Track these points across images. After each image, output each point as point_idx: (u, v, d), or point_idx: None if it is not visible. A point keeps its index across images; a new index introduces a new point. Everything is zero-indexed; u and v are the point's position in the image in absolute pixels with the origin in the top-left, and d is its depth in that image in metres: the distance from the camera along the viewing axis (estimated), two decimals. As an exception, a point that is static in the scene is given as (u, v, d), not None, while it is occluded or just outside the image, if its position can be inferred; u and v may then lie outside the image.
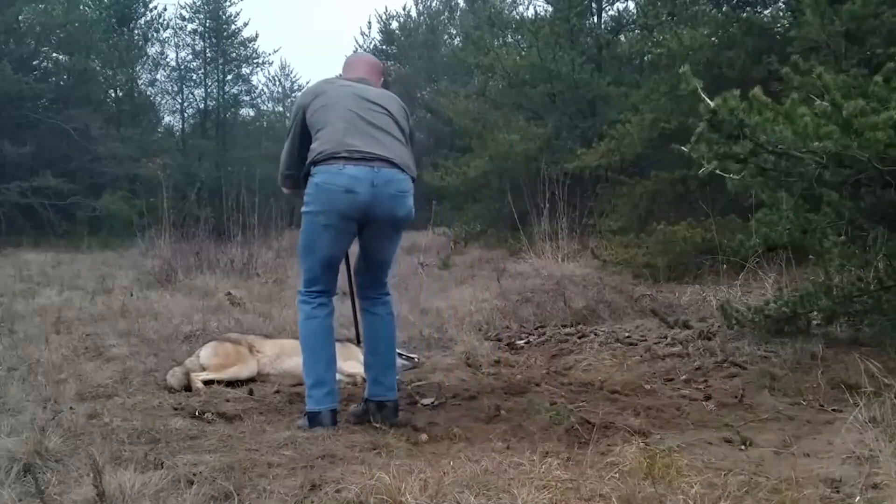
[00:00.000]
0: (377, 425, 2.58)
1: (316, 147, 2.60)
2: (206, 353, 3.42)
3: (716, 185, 5.69)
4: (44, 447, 2.18)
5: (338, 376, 3.46)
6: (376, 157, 2.56)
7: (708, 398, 2.91)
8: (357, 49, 27.09)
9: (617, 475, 1.95)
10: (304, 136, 2.71)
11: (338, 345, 3.64)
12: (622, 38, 11.90)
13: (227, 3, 24.58)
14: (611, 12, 12.92)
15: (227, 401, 3.00)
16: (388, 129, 2.65)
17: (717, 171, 2.89)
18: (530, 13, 14.95)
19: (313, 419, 2.58)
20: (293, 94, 30.01)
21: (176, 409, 2.86)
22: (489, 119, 12.81)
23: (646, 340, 3.92)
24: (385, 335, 2.80)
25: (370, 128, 2.62)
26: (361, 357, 3.51)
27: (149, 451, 2.24)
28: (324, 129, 2.60)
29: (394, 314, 2.86)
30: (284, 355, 3.52)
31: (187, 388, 3.21)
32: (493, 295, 5.71)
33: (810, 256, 3.74)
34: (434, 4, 26.38)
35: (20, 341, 4.16)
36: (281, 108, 29.77)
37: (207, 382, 3.27)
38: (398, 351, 3.62)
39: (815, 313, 3.49)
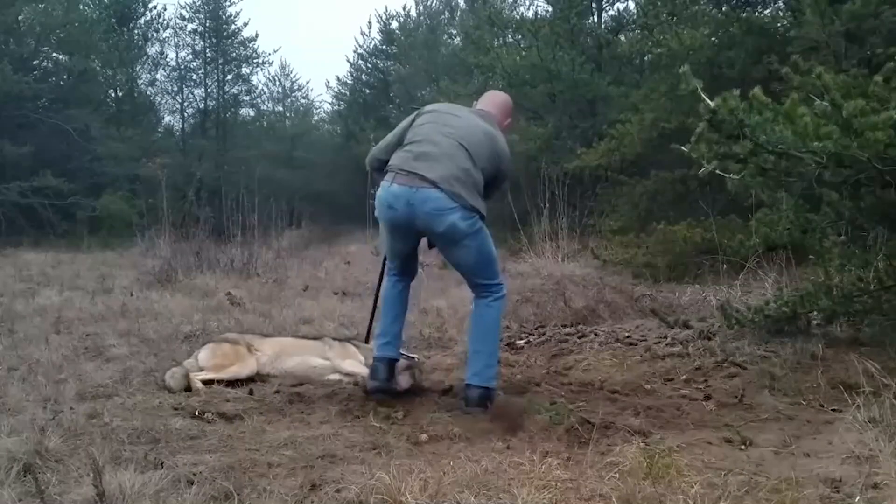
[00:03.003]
0: (377, 424, 2.58)
1: (393, 158, 2.94)
2: (204, 355, 3.42)
3: (716, 185, 5.70)
4: (44, 447, 2.18)
5: (337, 376, 3.48)
6: (420, 177, 2.78)
7: (708, 398, 2.91)
8: (357, 49, 27.16)
9: (617, 475, 1.95)
10: (401, 138, 3.01)
11: (337, 344, 3.66)
12: (622, 38, 11.90)
13: (227, 3, 24.58)
14: (611, 12, 12.95)
15: (227, 401, 3.00)
16: (449, 150, 2.85)
17: (717, 171, 2.89)
18: (530, 13, 14.97)
19: (372, 372, 2.99)
20: (293, 94, 30.02)
21: (176, 409, 2.86)
22: (489, 119, 12.80)
23: (646, 340, 3.92)
24: (476, 323, 2.99)
25: (431, 148, 2.87)
26: (361, 357, 3.52)
27: (149, 451, 2.24)
28: (408, 145, 2.92)
29: (492, 307, 3.00)
30: (284, 355, 3.53)
31: (187, 388, 3.21)
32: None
33: (810, 256, 3.74)
34: (434, 4, 26.37)
35: (20, 341, 4.16)
36: (281, 108, 29.79)
37: (207, 382, 3.27)
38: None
39: (815, 313, 3.49)
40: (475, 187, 2.88)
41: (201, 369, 3.34)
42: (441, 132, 2.93)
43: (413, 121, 3.04)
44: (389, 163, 2.95)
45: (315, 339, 3.76)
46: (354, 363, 3.48)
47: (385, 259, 3.25)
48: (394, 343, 3.04)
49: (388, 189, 2.84)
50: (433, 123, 2.98)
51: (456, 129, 2.94)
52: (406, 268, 3.14)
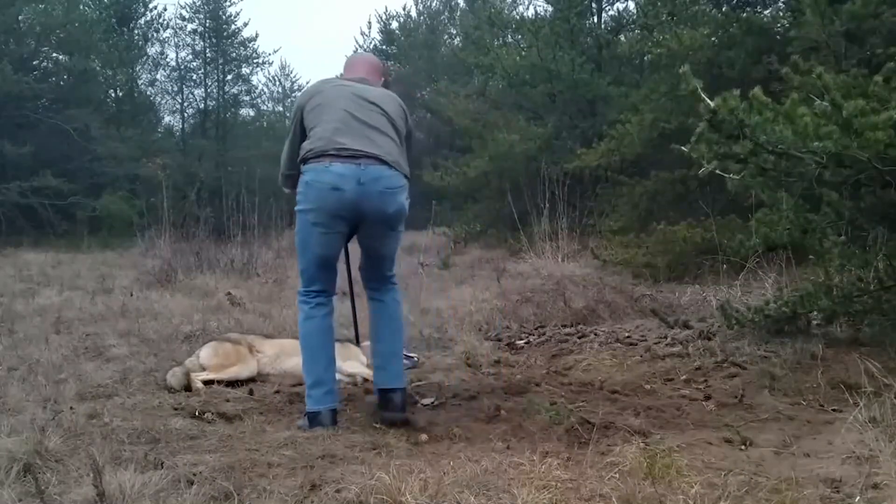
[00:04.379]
0: (377, 425, 2.58)
1: (306, 145, 2.61)
2: (205, 354, 3.42)
3: (716, 185, 5.70)
4: (44, 447, 2.17)
5: (337, 376, 3.47)
6: (364, 155, 2.54)
7: (708, 398, 2.91)
8: (357, 49, 27.12)
9: (617, 475, 1.95)
10: (303, 135, 2.71)
11: (337, 345, 3.64)
12: (622, 38, 11.90)
13: (227, 3, 24.60)
14: (611, 12, 12.95)
15: (227, 401, 2.99)
16: (380, 127, 2.64)
17: (717, 171, 2.90)
18: (530, 13, 15.00)
19: (313, 419, 2.56)
20: (293, 94, 30.01)
21: (176, 409, 2.86)
22: (489, 119, 12.83)
23: (646, 340, 3.92)
24: (388, 320, 2.78)
25: (362, 126, 2.61)
26: (362, 357, 3.52)
27: (149, 451, 2.24)
28: (316, 128, 2.61)
29: (400, 302, 2.85)
30: (284, 355, 3.52)
31: (187, 388, 3.21)
32: (493, 295, 5.71)
33: (810, 256, 3.74)
34: (434, 4, 26.38)
35: (20, 341, 4.16)
36: (281, 108, 29.79)
37: (207, 382, 3.27)
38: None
39: (815, 313, 3.49)
40: (404, 157, 2.72)
41: (203, 368, 3.34)
42: (354, 102, 2.64)
43: (303, 110, 2.70)
44: (308, 148, 2.58)
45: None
46: (355, 364, 3.47)
47: (317, 271, 2.67)
48: (335, 390, 2.66)
49: (327, 169, 2.50)
50: (337, 98, 2.66)
51: (362, 96, 2.68)
52: (331, 281, 2.71)
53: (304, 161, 2.59)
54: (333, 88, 2.72)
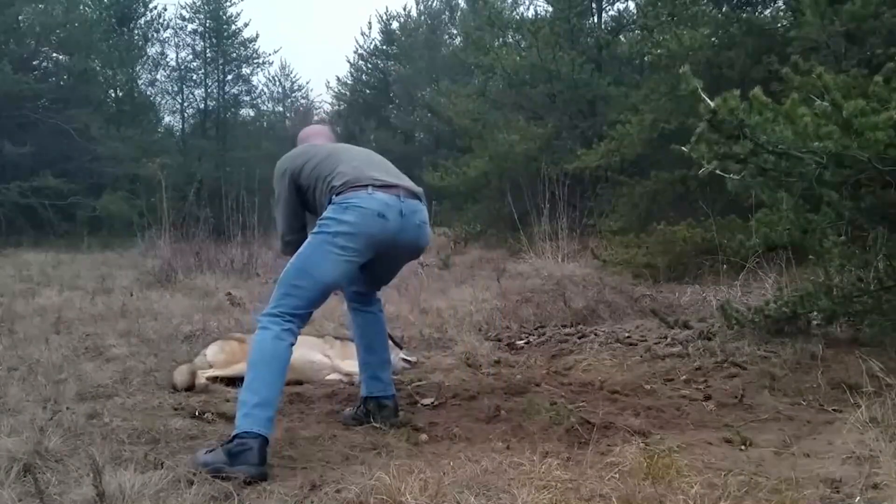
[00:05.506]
0: (377, 425, 2.58)
1: (335, 182, 2.46)
2: (212, 351, 3.43)
3: (716, 185, 5.68)
4: (44, 447, 2.18)
5: (336, 375, 3.48)
6: (399, 186, 2.50)
7: (708, 398, 2.91)
8: (357, 49, 27.16)
9: (617, 475, 1.95)
10: (299, 199, 2.65)
11: (338, 343, 3.65)
12: (622, 38, 11.91)
13: (228, 4, 24.61)
14: (611, 12, 12.97)
15: (227, 401, 2.99)
16: (394, 170, 2.67)
17: (717, 171, 2.89)
18: (530, 13, 15.01)
19: (246, 440, 2.09)
20: (293, 95, 30.07)
21: (176, 409, 2.86)
22: (489, 119, 12.83)
23: (646, 340, 3.92)
24: (380, 331, 2.81)
25: (385, 163, 2.66)
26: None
27: (149, 451, 2.24)
28: (338, 168, 2.51)
29: (383, 310, 2.88)
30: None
31: (191, 387, 3.20)
32: (493, 295, 5.71)
33: (810, 256, 3.74)
34: (434, 4, 26.41)
35: (20, 341, 4.16)
36: (281, 108, 29.85)
37: (213, 379, 3.27)
38: (402, 356, 3.63)
39: (815, 313, 3.49)
40: None
41: (210, 365, 3.34)
42: (361, 151, 2.74)
43: (299, 171, 2.60)
44: (341, 181, 2.43)
45: (317, 337, 3.76)
46: (353, 363, 3.46)
47: (315, 299, 2.41)
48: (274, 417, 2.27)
49: (372, 196, 2.39)
50: (341, 149, 2.70)
51: (366, 152, 2.78)
52: (312, 312, 2.50)
53: (337, 192, 2.42)
54: (325, 148, 2.70)
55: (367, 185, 2.42)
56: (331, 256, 2.36)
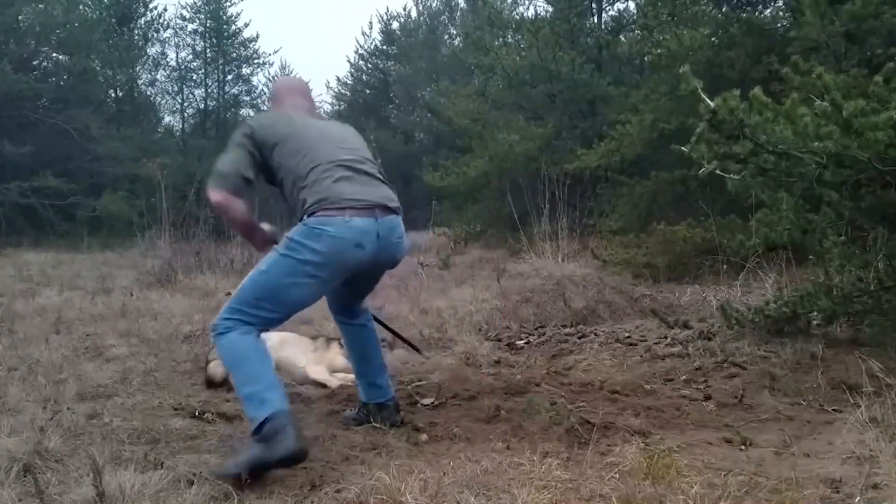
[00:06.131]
0: (377, 425, 2.58)
1: (308, 197, 2.32)
2: None
3: (716, 185, 5.69)
4: (44, 447, 2.18)
5: (335, 376, 3.47)
6: (377, 205, 2.38)
7: (708, 398, 2.91)
8: (358, 50, 27.14)
9: (617, 475, 1.95)
10: (260, 160, 2.44)
11: (333, 345, 3.61)
12: (622, 38, 11.91)
13: (228, 4, 24.64)
14: (611, 12, 12.98)
15: (227, 401, 2.99)
16: (372, 171, 2.49)
17: (717, 171, 2.89)
18: (530, 13, 15.02)
19: (275, 422, 2.07)
20: (293, 95, 29.96)
21: (176, 409, 2.86)
22: (489, 119, 12.83)
23: (646, 340, 3.92)
24: (371, 340, 2.74)
25: (361, 175, 2.44)
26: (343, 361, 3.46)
27: (149, 451, 2.24)
28: (312, 172, 2.36)
29: (371, 319, 2.78)
30: (285, 344, 3.50)
31: (223, 382, 3.16)
32: (493, 295, 5.71)
33: (810, 256, 3.74)
34: (434, 5, 26.43)
35: (20, 341, 4.16)
36: (281, 109, 29.70)
37: None
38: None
39: (815, 313, 3.49)
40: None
41: None
42: (339, 149, 2.46)
43: (265, 141, 2.41)
44: (315, 199, 2.30)
45: (313, 337, 3.75)
46: (321, 370, 3.43)
47: (278, 319, 2.36)
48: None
49: (349, 224, 2.27)
50: (318, 143, 2.44)
51: (342, 139, 2.53)
52: (282, 322, 2.44)
53: (311, 212, 2.29)
54: (304, 130, 2.47)
55: (344, 209, 2.28)
56: (300, 282, 2.28)
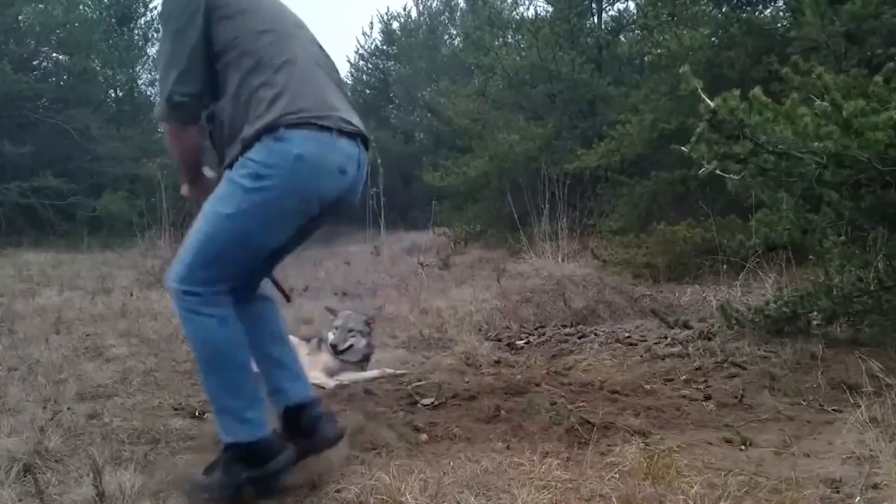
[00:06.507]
0: (376, 425, 2.57)
1: (282, 103, 1.77)
2: None
3: (716, 185, 5.69)
4: (44, 447, 2.18)
5: (335, 378, 3.46)
6: (359, 133, 1.93)
7: (708, 398, 2.91)
8: (358, 50, 27.12)
9: (617, 475, 1.95)
10: (206, 46, 1.82)
11: (313, 348, 3.58)
12: (622, 38, 11.90)
13: (228, 4, 24.58)
14: (611, 12, 12.95)
15: (227, 401, 2.99)
16: (345, 87, 2.06)
17: (717, 171, 2.89)
18: (530, 13, 15.00)
19: (263, 447, 1.85)
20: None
21: (176, 409, 2.86)
22: (489, 119, 12.82)
23: (646, 340, 3.92)
24: (279, 326, 2.15)
25: (340, 91, 2.00)
26: (331, 365, 3.44)
27: (149, 451, 2.24)
28: (285, 66, 1.81)
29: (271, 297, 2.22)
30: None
31: None
32: (493, 295, 5.71)
33: (810, 256, 3.74)
34: (434, 5, 26.42)
35: (20, 341, 4.16)
36: (281, 108, 29.70)
37: None
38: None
39: (815, 313, 3.49)
40: None
41: None
42: (316, 47, 2.00)
43: (216, 7, 1.81)
44: (291, 108, 1.77)
45: (307, 339, 3.72)
46: (316, 372, 3.37)
47: (245, 270, 1.93)
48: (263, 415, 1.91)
49: (335, 146, 1.81)
50: (293, 34, 1.93)
51: (315, 40, 2.04)
52: (253, 282, 2.05)
53: (285, 125, 1.76)
54: (268, 2, 1.93)
55: (330, 129, 1.81)
56: (276, 220, 1.81)
